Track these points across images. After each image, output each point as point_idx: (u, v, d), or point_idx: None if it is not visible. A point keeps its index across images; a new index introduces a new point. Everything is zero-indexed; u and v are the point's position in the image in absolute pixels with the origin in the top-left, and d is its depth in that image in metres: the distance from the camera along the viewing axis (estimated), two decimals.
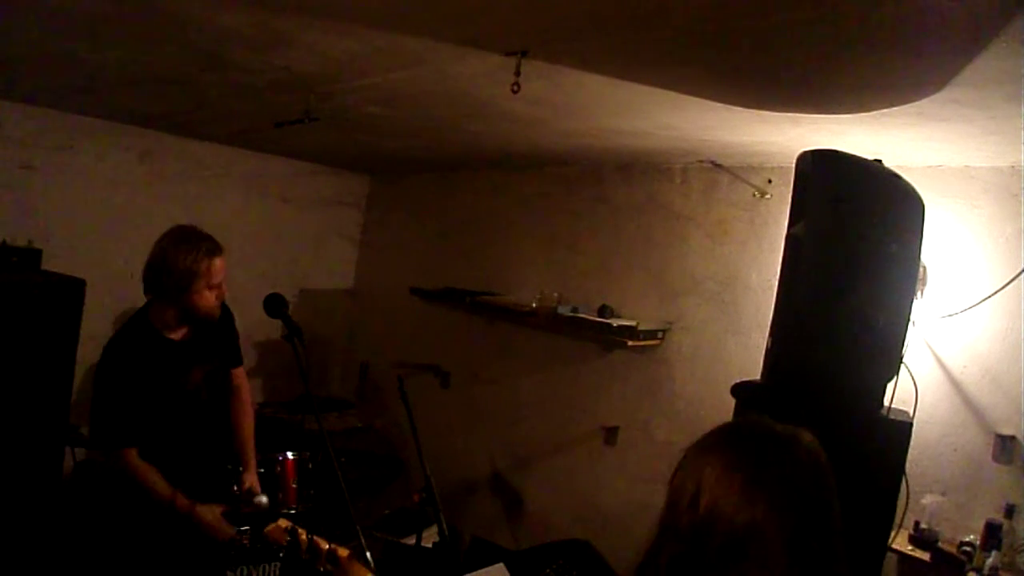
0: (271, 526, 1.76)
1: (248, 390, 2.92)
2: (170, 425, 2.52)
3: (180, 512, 2.40)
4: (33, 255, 3.54)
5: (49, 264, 3.60)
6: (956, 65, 1.74)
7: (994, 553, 2.40)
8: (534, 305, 3.87)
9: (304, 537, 1.68)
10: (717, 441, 1.09)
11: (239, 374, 2.88)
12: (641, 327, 3.44)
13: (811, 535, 1.00)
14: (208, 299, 2.51)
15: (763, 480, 1.00)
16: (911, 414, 2.29)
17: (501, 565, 2.33)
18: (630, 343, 3.44)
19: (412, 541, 3.26)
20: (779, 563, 0.98)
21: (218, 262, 2.50)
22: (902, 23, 1.55)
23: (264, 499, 2.57)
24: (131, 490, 2.45)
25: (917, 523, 2.60)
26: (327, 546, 1.66)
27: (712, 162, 3.37)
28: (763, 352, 2.10)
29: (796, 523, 0.99)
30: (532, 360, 4.16)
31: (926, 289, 2.68)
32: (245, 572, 2.38)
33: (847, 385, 2.02)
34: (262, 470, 2.78)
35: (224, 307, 2.65)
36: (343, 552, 1.64)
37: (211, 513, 2.46)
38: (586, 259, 3.99)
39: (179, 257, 2.42)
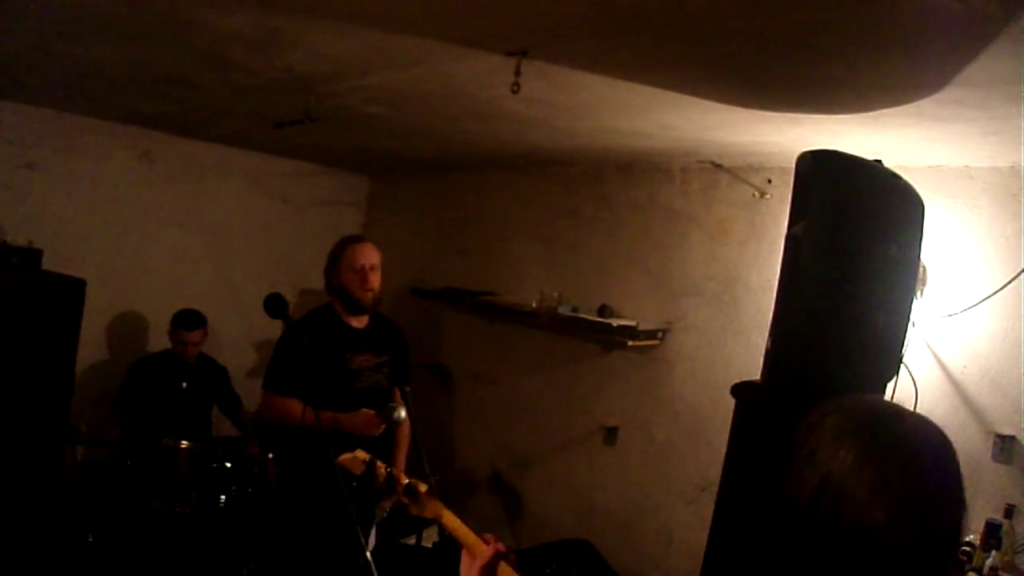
0: (347, 456, 1.74)
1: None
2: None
3: (326, 425, 2.52)
4: (33, 255, 3.53)
5: (49, 264, 3.60)
6: (956, 65, 1.74)
7: (994, 553, 2.39)
8: (534, 305, 3.87)
9: (382, 470, 1.69)
10: (860, 426, 1.08)
11: None
12: (641, 327, 3.43)
13: (931, 546, 0.96)
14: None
15: (891, 482, 0.98)
16: None
17: None
18: (630, 343, 3.44)
19: (412, 541, 3.26)
20: (893, 570, 0.95)
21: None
22: (902, 23, 1.55)
23: (403, 413, 2.78)
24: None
25: None
26: (406, 480, 1.67)
27: (712, 162, 3.37)
28: (763, 352, 2.10)
29: (919, 532, 0.95)
30: (532, 360, 4.16)
31: (926, 289, 2.68)
32: None
33: (847, 385, 2.01)
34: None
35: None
36: (422, 487, 1.65)
37: (357, 416, 2.81)
38: (586, 259, 3.98)
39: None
